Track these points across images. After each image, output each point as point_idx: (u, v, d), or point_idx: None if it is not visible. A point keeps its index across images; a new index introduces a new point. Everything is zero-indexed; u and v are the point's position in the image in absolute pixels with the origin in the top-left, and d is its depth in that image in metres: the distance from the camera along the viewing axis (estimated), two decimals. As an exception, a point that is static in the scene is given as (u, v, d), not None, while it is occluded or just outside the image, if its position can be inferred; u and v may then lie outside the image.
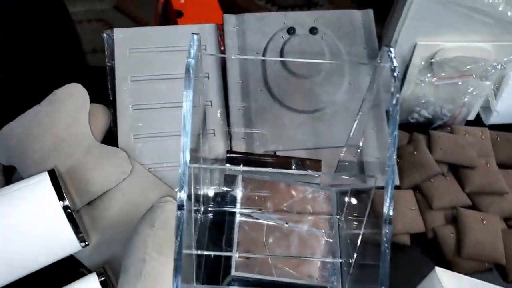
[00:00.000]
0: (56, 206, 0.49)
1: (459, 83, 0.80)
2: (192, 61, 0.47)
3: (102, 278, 0.55)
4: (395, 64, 0.50)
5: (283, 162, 0.75)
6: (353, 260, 0.59)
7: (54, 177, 0.51)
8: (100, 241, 0.64)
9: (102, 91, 0.80)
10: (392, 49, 0.51)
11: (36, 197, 0.50)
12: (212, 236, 0.68)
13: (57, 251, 0.52)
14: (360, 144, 0.79)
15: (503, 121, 0.89)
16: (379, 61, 0.54)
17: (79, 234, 0.52)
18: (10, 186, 0.53)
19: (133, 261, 0.54)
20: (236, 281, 0.62)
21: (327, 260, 0.63)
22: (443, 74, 0.80)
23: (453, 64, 0.79)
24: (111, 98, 0.79)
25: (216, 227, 0.68)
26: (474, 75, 0.80)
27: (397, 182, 0.79)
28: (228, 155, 0.75)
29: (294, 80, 0.80)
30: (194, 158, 0.76)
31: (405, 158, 0.80)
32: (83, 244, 0.53)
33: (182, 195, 0.47)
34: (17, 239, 0.49)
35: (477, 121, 0.91)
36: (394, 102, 0.48)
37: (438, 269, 0.49)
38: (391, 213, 0.47)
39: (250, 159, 0.74)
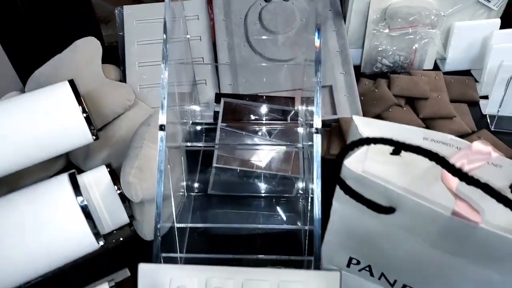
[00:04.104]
0: (73, 103, 0.65)
1: (410, 31, 0.95)
2: (166, 18, 0.63)
3: (110, 169, 0.69)
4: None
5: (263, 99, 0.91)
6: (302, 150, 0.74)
7: (73, 84, 0.67)
8: (111, 154, 0.80)
9: (114, 58, 0.98)
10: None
11: (54, 96, 0.65)
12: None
13: (73, 141, 0.67)
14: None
15: (457, 67, 1.03)
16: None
17: (92, 128, 0.67)
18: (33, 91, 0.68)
19: (133, 148, 0.69)
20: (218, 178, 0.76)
21: (293, 149, 0.76)
22: (399, 26, 0.96)
23: (401, 15, 0.94)
24: (121, 59, 0.97)
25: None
26: (421, 24, 0.95)
27: (360, 115, 0.93)
28: (216, 95, 0.91)
29: (271, 36, 0.97)
30: (188, 100, 0.92)
31: (367, 95, 0.94)
32: (94, 137, 0.68)
33: (163, 117, 0.60)
34: (38, 130, 0.64)
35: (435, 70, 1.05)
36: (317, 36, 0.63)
37: (355, 117, 0.61)
38: (319, 126, 0.61)
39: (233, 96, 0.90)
